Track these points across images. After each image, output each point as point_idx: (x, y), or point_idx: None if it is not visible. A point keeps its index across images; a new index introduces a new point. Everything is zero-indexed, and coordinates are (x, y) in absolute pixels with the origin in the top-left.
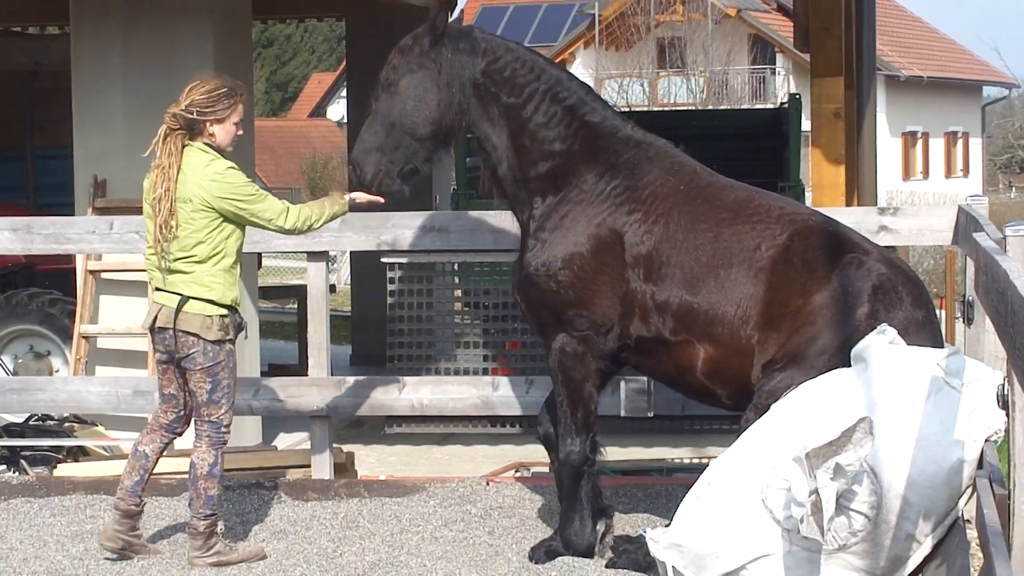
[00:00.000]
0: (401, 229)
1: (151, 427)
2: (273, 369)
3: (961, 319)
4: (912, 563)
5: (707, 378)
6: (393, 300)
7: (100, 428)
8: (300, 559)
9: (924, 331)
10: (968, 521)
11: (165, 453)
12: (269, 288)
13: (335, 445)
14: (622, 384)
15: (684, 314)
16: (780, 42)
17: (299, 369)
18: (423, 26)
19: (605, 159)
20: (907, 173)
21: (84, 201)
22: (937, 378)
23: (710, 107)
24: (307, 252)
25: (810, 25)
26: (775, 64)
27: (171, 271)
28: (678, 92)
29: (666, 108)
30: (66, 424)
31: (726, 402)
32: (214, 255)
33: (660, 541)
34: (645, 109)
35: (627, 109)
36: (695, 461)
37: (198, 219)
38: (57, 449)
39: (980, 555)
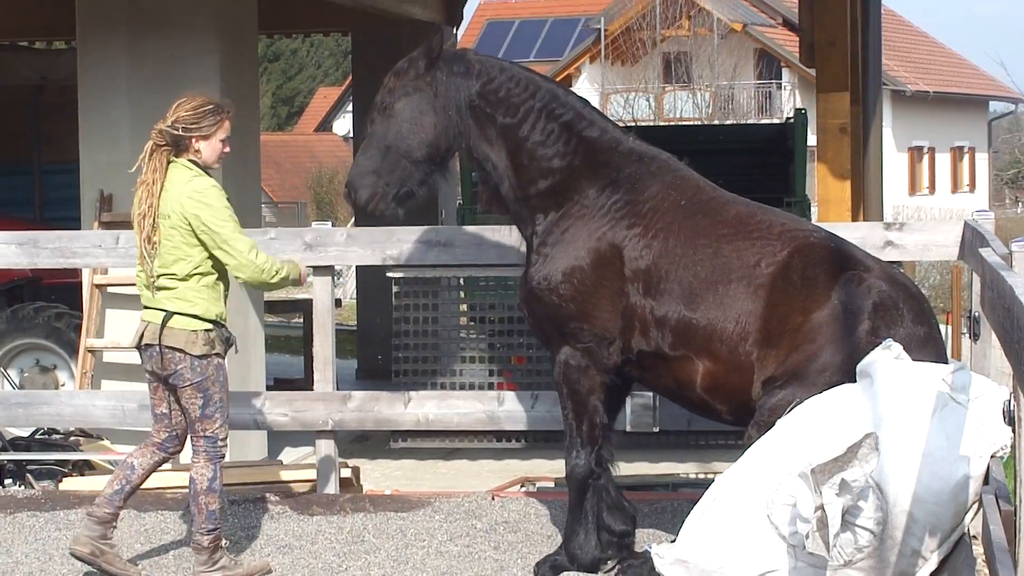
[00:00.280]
0: (407, 243)
1: (146, 443)
2: (278, 383)
3: (967, 334)
4: None
5: (707, 393)
6: (398, 314)
7: (106, 442)
8: (305, 574)
9: (926, 348)
10: (974, 537)
11: (172, 467)
12: (275, 302)
13: (340, 460)
14: (627, 399)
15: (683, 329)
16: (786, 57)
17: (304, 383)
18: (418, 49)
19: (606, 174)
20: (913, 188)
21: (90, 215)
22: (943, 394)
23: (716, 122)
24: (313, 266)
25: (816, 40)
26: (781, 79)
27: (156, 287)
28: (684, 107)
29: (672, 123)
30: (72, 438)
31: (726, 417)
32: (195, 272)
33: (665, 557)
34: (651, 124)
35: (633, 124)
36: (701, 476)
37: (176, 236)
38: (63, 463)
39: (986, 571)
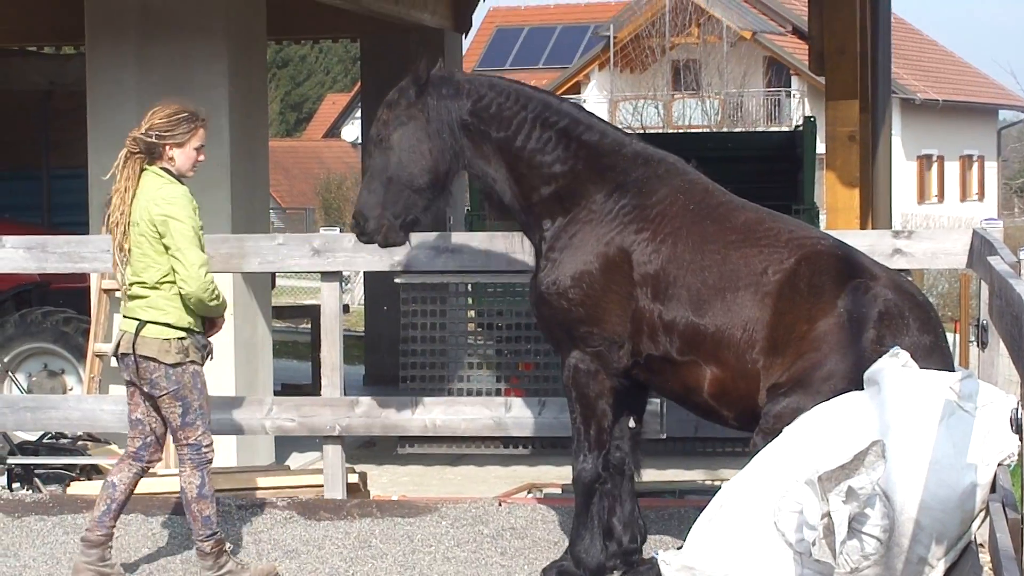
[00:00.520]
0: (415, 249)
1: (122, 457)
2: (286, 389)
3: (975, 343)
4: None
5: (713, 399)
6: (406, 320)
7: (113, 447)
8: None
9: (932, 356)
10: (981, 545)
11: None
12: (283, 308)
13: (348, 465)
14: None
15: (691, 335)
16: (795, 65)
17: (312, 389)
18: (406, 79)
19: (613, 178)
20: (922, 196)
21: (98, 220)
22: (950, 402)
23: (725, 129)
24: (321, 272)
25: (825, 48)
26: (790, 87)
27: (130, 296)
28: (693, 114)
29: (681, 130)
30: (80, 442)
31: (733, 423)
32: (165, 280)
33: (672, 563)
34: (660, 131)
35: (642, 131)
36: (708, 483)
37: (144, 243)
38: (71, 467)
39: None
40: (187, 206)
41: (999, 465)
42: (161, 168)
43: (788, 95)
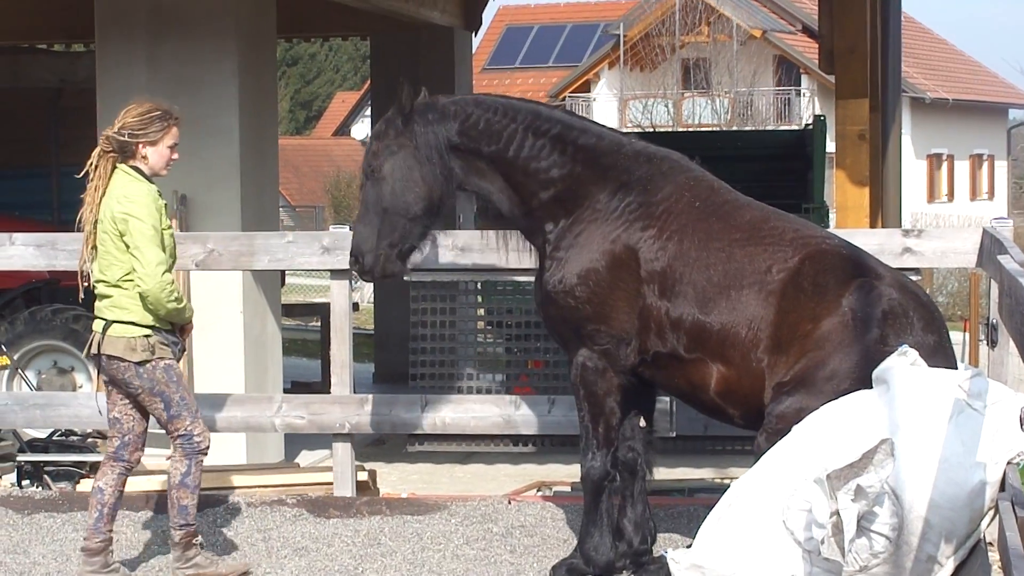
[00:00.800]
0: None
1: (103, 460)
2: (296, 386)
3: (985, 341)
4: None
5: (719, 397)
6: (416, 319)
7: None
8: None
9: (936, 356)
10: (990, 544)
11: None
12: (292, 306)
13: (357, 463)
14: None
15: (697, 332)
16: (805, 63)
17: (322, 387)
18: (391, 110)
19: (615, 177)
20: (932, 195)
21: None
22: (959, 400)
23: (735, 128)
24: (330, 270)
25: (835, 47)
26: (800, 85)
27: (98, 295)
28: (703, 113)
29: (690, 129)
30: (89, 439)
31: (738, 421)
32: (127, 278)
33: (681, 562)
34: (669, 130)
35: (652, 130)
36: (717, 481)
37: (107, 241)
38: (80, 464)
39: None
40: (149, 205)
41: (1008, 463)
42: (132, 167)
43: (798, 94)
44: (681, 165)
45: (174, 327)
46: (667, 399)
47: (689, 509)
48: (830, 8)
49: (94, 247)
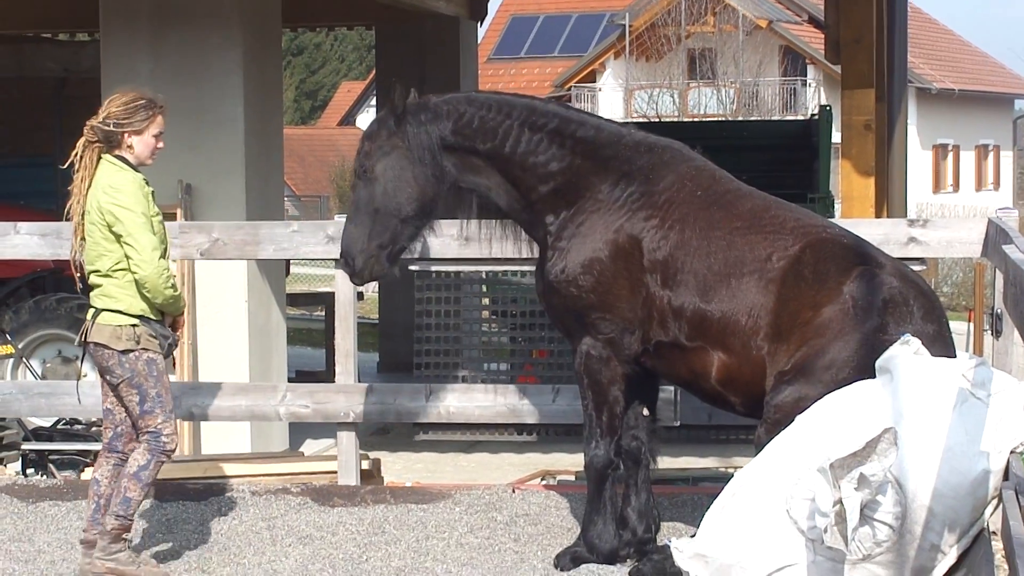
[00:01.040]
0: (429, 237)
1: (99, 452)
2: (300, 376)
3: (989, 331)
4: (937, 574)
5: (721, 385)
6: (420, 308)
7: None
8: (326, 564)
9: (935, 345)
10: (994, 533)
11: (192, 457)
12: (297, 295)
13: (362, 451)
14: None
15: (698, 321)
16: (811, 54)
17: (326, 376)
18: (383, 110)
19: (617, 167)
20: (937, 186)
21: None
22: (963, 389)
23: (740, 118)
24: (335, 259)
25: (841, 37)
26: (806, 76)
27: (89, 285)
28: (708, 103)
29: (696, 119)
30: (94, 428)
31: (740, 409)
32: (118, 268)
33: (685, 551)
34: (675, 120)
35: (657, 120)
36: (721, 470)
37: (96, 232)
38: (85, 453)
39: (1006, 567)
40: (136, 192)
41: (1012, 452)
42: (118, 156)
43: (804, 84)
44: (683, 154)
45: (165, 319)
46: (671, 388)
47: (693, 498)
48: None
49: (83, 238)
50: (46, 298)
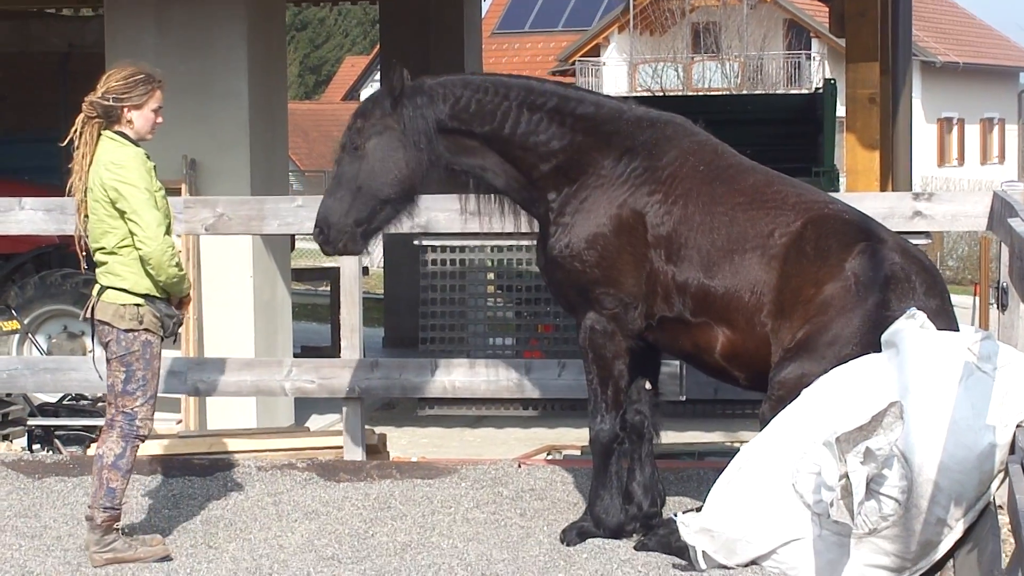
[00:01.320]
0: (434, 212)
1: (103, 429)
2: (306, 351)
3: (995, 305)
4: (943, 548)
5: (725, 360)
6: (426, 283)
7: None
8: (332, 539)
9: (938, 320)
10: (1000, 506)
11: (198, 432)
12: (302, 270)
13: (367, 427)
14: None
15: (702, 297)
16: (815, 27)
17: (332, 351)
18: (379, 89)
19: (619, 143)
20: (942, 159)
21: None
22: (969, 363)
23: (745, 92)
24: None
25: (846, 10)
26: (810, 49)
27: (95, 262)
28: (713, 77)
29: (700, 93)
30: (99, 404)
31: (744, 384)
32: (124, 245)
33: (691, 525)
34: (679, 94)
35: (661, 94)
36: (727, 445)
37: (99, 209)
38: (90, 429)
39: (1012, 540)
40: (139, 168)
41: (1018, 426)
42: (117, 132)
43: (808, 58)
44: (685, 129)
45: (171, 299)
46: (676, 363)
47: (699, 473)
48: None
49: (86, 215)
50: (51, 274)
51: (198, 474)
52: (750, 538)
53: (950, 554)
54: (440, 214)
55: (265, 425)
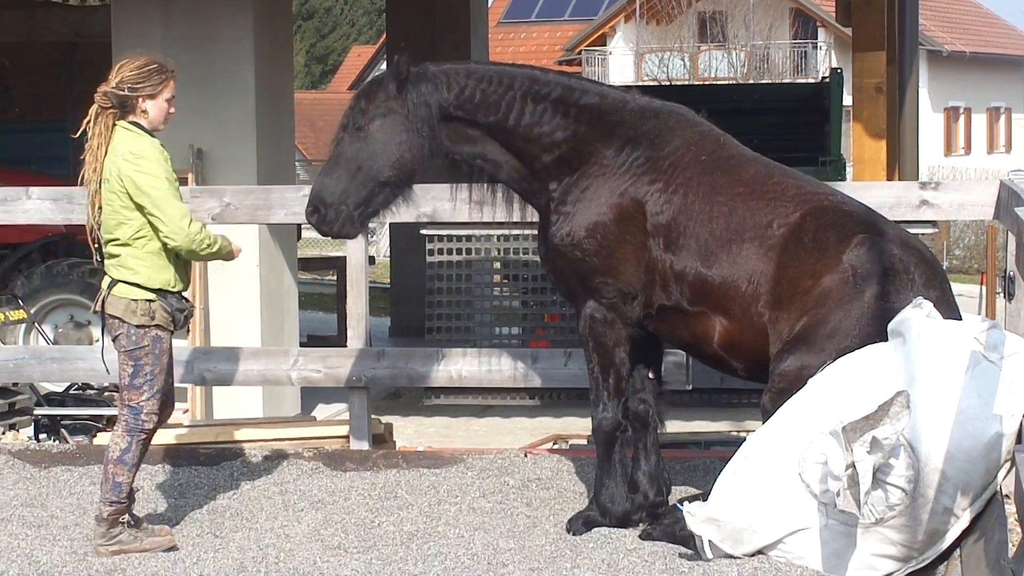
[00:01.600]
0: (440, 201)
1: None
2: (312, 340)
3: (1002, 294)
4: (950, 537)
5: (722, 349)
6: (432, 272)
7: None
8: (338, 529)
9: (939, 311)
10: (1007, 496)
11: (205, 422)
12: (308, 260)
13: (373, 416)
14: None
15: (700, 286)
16: (822, 16)
17: (338, 340)
18: (384, 72)
19: (622, 133)
20: (949, 149)
21: None
22: (976, 352)
23: (751, 81)
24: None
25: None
26: (817, 38)
27: (106, 254)
28: (719, 66)
29: (707, 83)
30: (106, 393)
31: (742, 374)
32: (138, 237)
33: (697, 515)
34: (686, 83)
35: (668, 83)
36: (733, 434)
37: (115, 200)
38: (97, 418)
39: (1018, 530)
40: (158, 159)
41: None
42: (132, 122)
43: (815, 47)
44: (687, 119)
45: (184, 292)
46: (683, 352)
47: (705, 462)
48: None
49: (100, 207)
50: (58, 263)
51: (204, 463)
52: (757, 528)
53: (957, 544)
54: (446, 203)
55: (271, 414)
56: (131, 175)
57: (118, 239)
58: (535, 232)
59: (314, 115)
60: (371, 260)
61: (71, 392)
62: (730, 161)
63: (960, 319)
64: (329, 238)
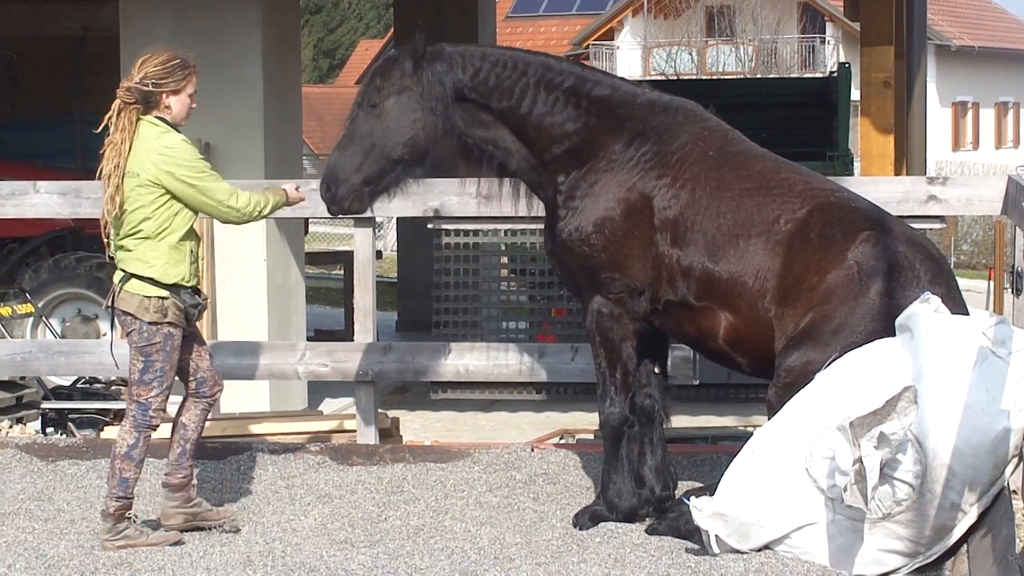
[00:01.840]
0: (448, 196)
1: (186, 398)
2: (319, 334)
3: (1010, 289)
4: (957, 533)
5: (728, 345)
6: (439, 266)
7: None
8: (345, 523)
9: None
10: (1014, 492)
11: (210, 416)
12: (316, 254)
13: (380, 410)
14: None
15: (706, 281)
16: (830, 11)
17: (345, 335)
18: (402, 50)
19: (631, 127)
20: (957, 144)
21: None
22: (983, 347)
23: (759, 76)
24: (354, 218)
25: None
26: (825, 33)
27: (119, 248)
28: (727, 61)
29: (714, 77)
30: (113, 387)
31: (747, 370)
32: (161, 231)
33: (704, 510)
34: (693, 78)
35: (675, 78)
36: (740, 429)
37: (144, 194)
38: (104, 412)
39: None
40: (192, 150)
41: None
42: (157, 117)
43: (822, 41)
44: (696, 114)
45: (198, 286)
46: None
47: (712, 457)
48: None
49: (117, 202)
50: (65, 257)
51: (211, 457)
52: (764, 522)
53: (964, 539)
54: (454, 197)
55: (278, 409)
56: (170, 169)
57: (140, 232)
58: (542, 227)
59: (322, 109)
60: (378, 254)
61: (78, 386)
62: (737, 157)
63: (967, 315)
64: (340, 216)
